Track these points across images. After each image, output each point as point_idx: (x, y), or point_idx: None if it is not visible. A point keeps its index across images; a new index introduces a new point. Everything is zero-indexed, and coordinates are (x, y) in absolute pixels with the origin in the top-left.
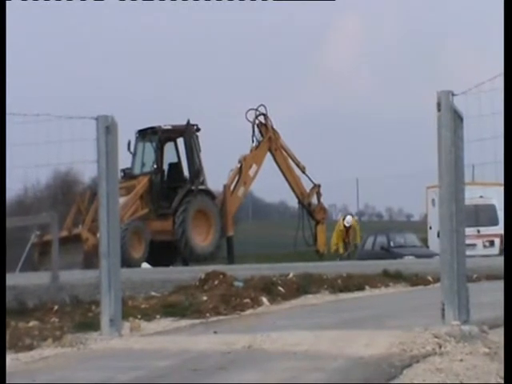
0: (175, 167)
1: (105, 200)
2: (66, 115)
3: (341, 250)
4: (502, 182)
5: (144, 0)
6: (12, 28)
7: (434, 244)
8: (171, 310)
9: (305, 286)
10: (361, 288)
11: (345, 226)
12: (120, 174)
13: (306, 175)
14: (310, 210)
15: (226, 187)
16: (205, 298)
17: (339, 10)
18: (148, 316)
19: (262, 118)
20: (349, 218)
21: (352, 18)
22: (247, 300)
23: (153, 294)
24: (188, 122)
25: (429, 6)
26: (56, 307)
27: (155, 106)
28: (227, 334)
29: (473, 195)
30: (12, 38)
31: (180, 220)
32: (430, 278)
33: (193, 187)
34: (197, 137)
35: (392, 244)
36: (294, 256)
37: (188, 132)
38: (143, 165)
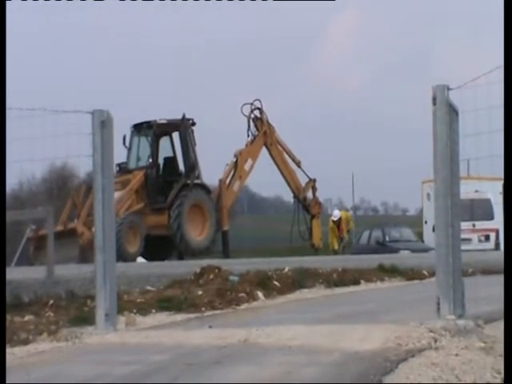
0: (170, 161)
1: (100, 194)
2: (62, 109)
3: (336, 247)
4: (497, 176)
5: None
6: (9, 24)
7: (430, 238)
8: (167, 304)
9: (300, 280)
10: (356, 282)
11: (334, 221)
12: (115, 169)
13: (302, 169)
14: (306, 205)
15: (221, 181)
16: (200, 292)
17: (337, 7)
18: (143, 310)
19: (257, 113)
20: (336, 212)
21: (350, 14)
22: (242, 294)
23: (148, 288)
24: (183, 116)
25: (425, 2)
26: (51, 301)
27: (151, 101)
28: (222, 329)
29: (468, 189)
30: (9, 34)
31: (175, 214)
32: (425, 273)
33: (188, 181)
34: (192, 131)
35: (387, 238)
36: (289, 250)
37: (183, 126)
38: (138, 159)
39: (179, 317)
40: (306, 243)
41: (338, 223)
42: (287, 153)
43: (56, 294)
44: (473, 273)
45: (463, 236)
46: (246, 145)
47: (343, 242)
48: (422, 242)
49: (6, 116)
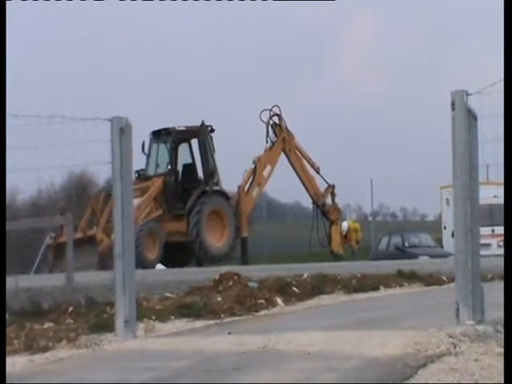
0: (189, 168)
1: (119, 201)
2: (81, 117)
3: (341, 252)
4: None
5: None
6: (27, 30)
7: (449, 244)
8: (186, 310)
9: (319, 286)
10: (375, 288)
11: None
12: (134, 176)
13: (321, 175)
14: (325, 211)
15: (240, 188)
16: (219, 298)
17: (353, 14)
18: (162, 317)
19: (276, 119)
20: (344, 224)
21: (367, 21)
22: (262, 301)
23: (167, 294)
24: (202, 123)
25: (443, 7)
26: (71, 308)
27: (169, 108)
28: (242, 335)
29: (487, 195)
30: (27, 41)
31: (194, 221)
32: (444, 278)
33: (207, 188)
34: (211, 138)
35: (406, 244)
36: (308, 256)
37: (202, 133)
38: (157, 166)
39: (198, 323)
40: (324, 249)
41: (346, 233)
42: (306, 159)
43: (75, 301)
44: (492, 278)
45: (482, 241)
46: (265, 151)
47: (351, 248)
48: (441, 247)
49: (5, 122)
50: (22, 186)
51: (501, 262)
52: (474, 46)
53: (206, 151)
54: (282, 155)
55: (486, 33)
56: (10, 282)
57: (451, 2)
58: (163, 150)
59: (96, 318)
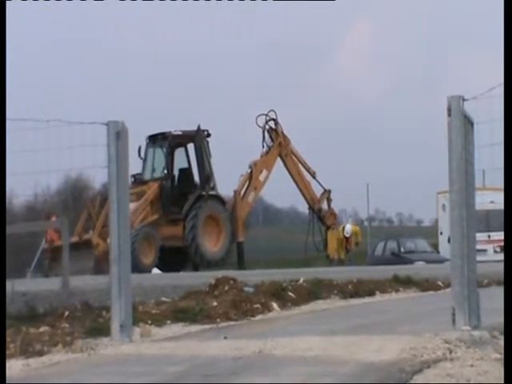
0: (185, 173)
1: (115, 205)
2: (77, 121)
3: (342, 256)
4: None
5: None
6: (23, 33)
7: (445, 249)
8: (182, 315)
9: (315, 291)
10: (371, 293)
11: (345, 236)
12: (130, 180)
13: (317, 180)
14: (321, 216)
15: (236, 193)
16: (215, 303)
17: (353, 13)
18: (158, 321)
19: (272, 124)
20: (348, 227)
21: (364, 22)
22: (257, 305)
23: (163, 299)
24: (198, 127)
25: (442, 11)
26: (67, 313)
27: (166, 112)
28: (237, 340)
29: (484, 200)
30: (22, 44)
31: (190, 225)
32: (440, 284)
33: (203, 193)
34: (207, 142)
35: (402, 249)
36: (304, 261)
37: (198, 137)
38: (153, 170)
39: (194, 328)
40: (320, 254)
41: (347, 237)
42: (302, 164)
43: (71, 305)
44: (488, 284)
45: (478, 247)
46: (261, 156)
47: (349, 252)
48: (437, 253)
49: (5, 125)
50: (19, 189)
51: (497, 267)
52: (471, 52)
53: (203, 156)
54: (278, 160)
55: (484, 39)
56: (7, 285)
57: (450, 6)
58: (159, 155)
59: (92, 322)
